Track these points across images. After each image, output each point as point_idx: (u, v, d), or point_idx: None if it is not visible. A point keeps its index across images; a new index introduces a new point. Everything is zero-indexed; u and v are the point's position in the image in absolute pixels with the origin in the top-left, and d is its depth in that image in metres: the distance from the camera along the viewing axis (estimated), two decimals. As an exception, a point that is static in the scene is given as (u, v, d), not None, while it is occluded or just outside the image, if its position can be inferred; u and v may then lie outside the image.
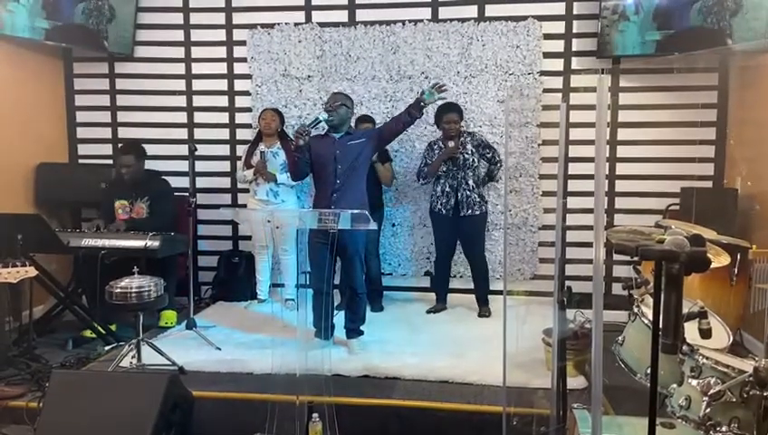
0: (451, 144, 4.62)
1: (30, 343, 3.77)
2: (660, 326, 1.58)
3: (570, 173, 4.31)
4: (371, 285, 5.03)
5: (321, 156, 3.87)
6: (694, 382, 1.99)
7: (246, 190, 5.09)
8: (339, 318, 4.17)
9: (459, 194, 4.67)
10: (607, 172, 4.99)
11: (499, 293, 4.84)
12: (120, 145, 4.73)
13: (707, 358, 2.01)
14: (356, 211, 3.24)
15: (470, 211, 4.68)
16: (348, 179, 3.85)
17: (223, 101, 5.44)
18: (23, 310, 3.94)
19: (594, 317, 1.66)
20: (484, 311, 4.80)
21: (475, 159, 4.69)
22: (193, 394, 3.08)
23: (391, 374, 3.58)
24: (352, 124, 4.93)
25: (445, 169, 4.69)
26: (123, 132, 5.51)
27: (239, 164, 5.00)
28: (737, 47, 4.26)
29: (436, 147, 4.75)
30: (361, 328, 4.06)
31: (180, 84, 5.45)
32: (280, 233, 4.69)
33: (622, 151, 5.00)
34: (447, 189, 4.69)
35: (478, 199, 4.70)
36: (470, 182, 4.68)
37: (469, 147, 4.68)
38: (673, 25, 4.47)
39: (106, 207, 4.68)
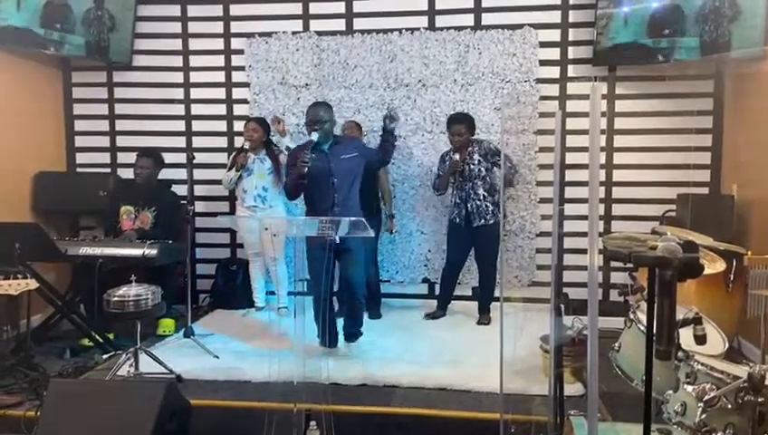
0: (456, 156, 4.63)
1: (28, 351, 3.76)
2: (654, 332, 1.59)
3: (567, 180, 4.34)
4: (369, 292, 5.03)
5: (316, 172, 3.76)
6: (689, 388, 2.00)
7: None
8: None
9: (469, 205, 4.66)
10: (603, 179, 5.01)
11: (496, 299, 4.84)
12: (137, 153, 4.77)
13: (702, 364, 2.02)
14: (354, 218, 3.25)
15: (483, 221, 4.66)
16: (345, 193, 3.86)
17: (221, 109, 5.46)
18: (20, 319, 3.94)
19: (590, 324, 1.67)
20: (483, 319, 4.80)
21: (482, 169, 4.66)
22: (190, 402, 3.07)
23: (389, 382, 3.57)
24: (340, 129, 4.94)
25: (453, 180, 4.71)
26: (122, 141, 5.53)
27: (224, 172, 4.97)
28: (732, 55, 4.29)
29: (447, 158, 4.76)
30: (361, 329, 4.12)
31: (178, 93, 5.47)
32: (269, 242, 4.70)
33: (619, 158, 5.02)
34: (458, 201, 4.72)
35: (491, 208, 4.65)
36: (479, 192, 4.65)
37: (476, 157, 4.65)
38: (666, 33, 4.50)
39: (109, 214, 4.69)
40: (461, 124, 4.64)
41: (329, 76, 5.25)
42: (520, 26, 5.02)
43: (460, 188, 4.70)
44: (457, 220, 4.73)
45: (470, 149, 4.67)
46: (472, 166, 4.65)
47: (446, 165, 4.75)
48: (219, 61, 5.42)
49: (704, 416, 1.90)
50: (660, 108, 4.94)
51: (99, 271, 3.98)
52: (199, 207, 4.96)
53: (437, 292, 5.13)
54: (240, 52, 5.37)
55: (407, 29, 5.14)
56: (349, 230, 3.20)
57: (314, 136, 3.79)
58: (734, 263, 3.60)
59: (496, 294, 4.92)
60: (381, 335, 4.44)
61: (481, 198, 4.66)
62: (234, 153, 4.96)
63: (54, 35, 4.80)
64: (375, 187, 4.84)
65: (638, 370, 2.36)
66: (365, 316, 4.86)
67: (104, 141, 5.55)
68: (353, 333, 4.06)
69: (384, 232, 5.09)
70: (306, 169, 3.69)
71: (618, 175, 5.04)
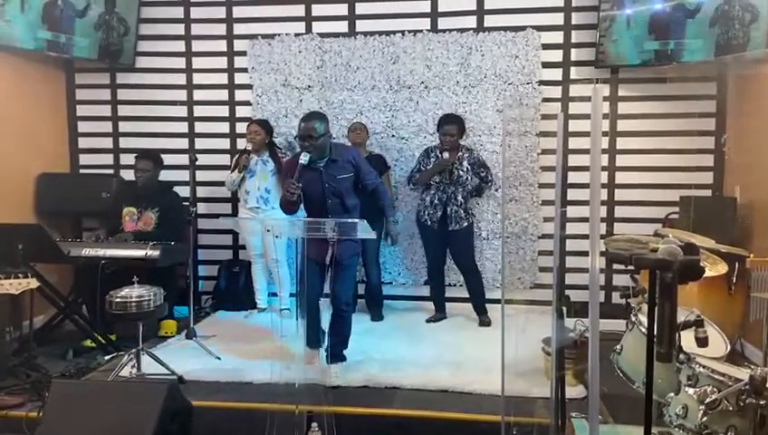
0: (446, 155, 4.62)
1: (30, 352, 3.77)
2: (655, 335, 1.59)
3: (569, 182, 4.34)
4: (371, 294, 5.04)
5: (309, 190, 3.62)
6: (690, 391, 2.00)
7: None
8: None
9: (448, 208, 4.66)
10: (606, 181, 5.00)
11: (499, 302, 4.82)
12: (135, 155, 4.76)
13: (704, 366, 2.01)
14: (356, 220, 3.22)
15: (457, 226, 4.68)
16: (339, 212, 3.65)
17: (223, 111, 5.47)
18: (23, 320, 3.95)
19: (591, 326, 1.67)
20: (484, 320, 4.79)
21: (469, 177, 4.69)
22: (192, 404, 3.08)
23: (391, 384, 3.58)
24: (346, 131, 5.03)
25: (437, 180, 4.69)
26: (125, 142, 5.54)
27: (227, 173, 4.96)
28: (733, 57, 4.28)
29: (432, 154, 4.75)
30: (344, 353, 3.80)
31: (181, 95, 5.48)
32: (271, 244, 4.69)
33: (622, 160, 5.02)
34: (436, 201, 4.70)
35: (464, 214, 4.70)
36: (459, 198, 4.67)
37: (465, 163, 4.67)
38: (671, 35, 4.50)
39: (112, 216, 4.69)
40: (453, 125, 4.65)
41: (331, 78, 5.26)
42: (522, 28, 5.02)
43: (442, 190, 4.68)
44: (429, 223, 4.71)
45: (460, 154, 4.68)
46: (461, 172, 4.66)
47: (430, 160, 4.74)
48: (222, 63, 5.43)
49: (705, 419, 1.90)
50: (663, 110, 4.94)
51: (101, 272, 3.99)
52: (202, 208, 4.97)
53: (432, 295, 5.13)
54: (243, 53, 5.38)
55: (409, 31, 5.14)
56: (350, 232, 3.17)
57: (304, 159, 3.50)
58: (737, 265, 3.60)
59: (497, 295, 4.90)
60: (383, 337, 4.44)
61: (459, 203, 4.67)
62: (237, 155, 4.97)
63: (62, 38, 4.81)
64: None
65: (640, 372, 2.36)
66: (366, 319, 4.89)
67: (107, 143, 5.56)
68: (336, 354, 3.70)
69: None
70: (294, 196, 3.53)
71: (620, 177, 5.03)
